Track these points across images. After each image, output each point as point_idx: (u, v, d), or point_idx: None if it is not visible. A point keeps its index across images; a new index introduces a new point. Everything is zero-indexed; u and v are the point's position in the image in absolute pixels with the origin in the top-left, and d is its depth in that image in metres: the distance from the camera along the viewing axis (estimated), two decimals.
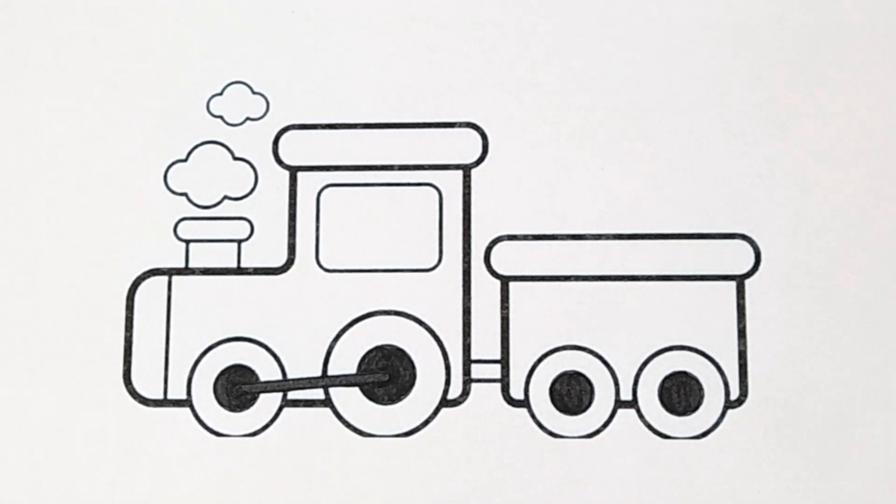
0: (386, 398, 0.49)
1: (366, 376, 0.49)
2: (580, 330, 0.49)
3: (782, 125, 0.50)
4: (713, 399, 0.48)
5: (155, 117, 0.51)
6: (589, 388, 0.49)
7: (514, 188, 0.50)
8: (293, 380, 0.49)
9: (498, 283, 0.49)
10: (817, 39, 0.51)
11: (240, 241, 0.50)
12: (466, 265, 0.50)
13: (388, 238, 0.50)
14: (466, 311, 0.49)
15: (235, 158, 0.51)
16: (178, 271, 0.50)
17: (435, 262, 0.50)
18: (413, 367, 0.49)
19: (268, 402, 0.49)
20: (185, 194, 0.51)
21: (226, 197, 0.51)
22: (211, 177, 0.51)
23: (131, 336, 0.49)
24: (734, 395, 0.48)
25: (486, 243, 0.50)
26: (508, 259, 0.50)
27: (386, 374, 0.49)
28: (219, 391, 0.49)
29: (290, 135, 0.51)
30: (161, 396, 0.49)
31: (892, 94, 0.50)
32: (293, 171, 0.51)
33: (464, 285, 0.50)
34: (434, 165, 0.50)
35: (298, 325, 0.49)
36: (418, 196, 0.50)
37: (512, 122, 0.50)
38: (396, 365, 0.49)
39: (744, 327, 0.49)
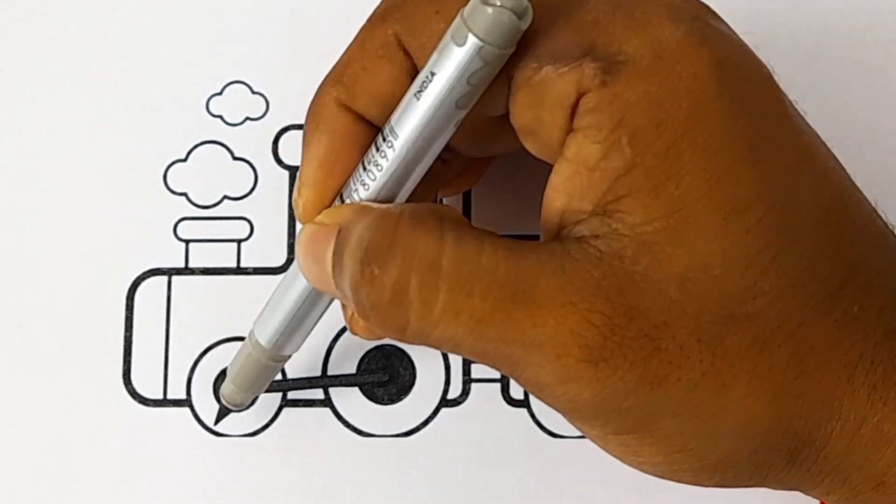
0: (386, 398, 0.49)
1: (366, 376, 0.49)
2: None
3: None
4: None
5: (154, 117, 0.51)
6: None
7: (514, 188, 0.50)
8: (293, 380, 0.49)
9: None
10: (817, 40, 0.51)
11: (239, 241, 0.50)
12: None
13: None
14: None
15: (235, 158, 0.51)
16: (178, 271, 0.50)
17: None
18: (413, 367, 0.49)
19: (268, 402, 0.49)
20: (184, 194, 0.51)
21: (225, 197, 0.51)
22: (210, 176, 0.51)
23: (131, 336, 0.49)
24: None
25: None
26: None
27: (386, 374, 0.49)
28: (219, 391, 0.49)
29: (289, 135, 0.51)
30: (161, 396, 0.49)
31: (892, 94, 0.50)
32: (293, 170, 0.51)
33: None
34: None
35: None
36: None
37: None
38: (396, 365, 0.49)
39: None
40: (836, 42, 0.51)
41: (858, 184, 0.38)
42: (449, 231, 0.35)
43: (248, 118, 0.51)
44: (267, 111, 0.51)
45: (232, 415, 0.48)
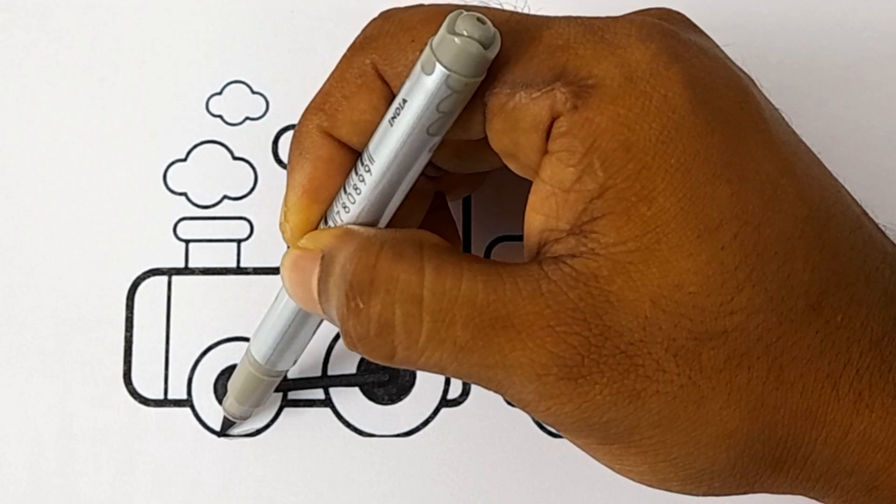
0: (386, 398, 0.49)
1: (366, 376, 0.49)
2: None
3: None
4: None
5: (154, 117, 0.51)
6: None
7: (511, 192, 0.50)
8: (293, 380, 0.49)
9: None
10: (818, 39, 0.51)
11: (239, 241, 0.50)
12: None
13: None
14: None
15: (235, 158, 0.51)
16: (178, 271, 0.50)
17: None
18: None
19: (268, 403, 0.49)
20: (184, 194, 0.51)
21: (225, 197, 0.51)
22: (210, 176, 0.51)
23: (131, 336, 0.49)
24: None
25: (486, 243, 0.50)
26: (508, 259, 0.49)
27: (386, 374, 0.49)
28: (219, 391, 0.49)
29: (289, 134, 0.51)
30: (161, 396, 0.49)
31: (892, 94, 0.50)
32: None
33: None
34: None
35: None
36: None
37: None
38: None
39: None
40: (832, 45, 0.51)
41: (854, 186, 0.38)
42: (429, 260, 0.35)
43: (247, 118, 0.51)
44: (267, 111, 0.51)
45: None
